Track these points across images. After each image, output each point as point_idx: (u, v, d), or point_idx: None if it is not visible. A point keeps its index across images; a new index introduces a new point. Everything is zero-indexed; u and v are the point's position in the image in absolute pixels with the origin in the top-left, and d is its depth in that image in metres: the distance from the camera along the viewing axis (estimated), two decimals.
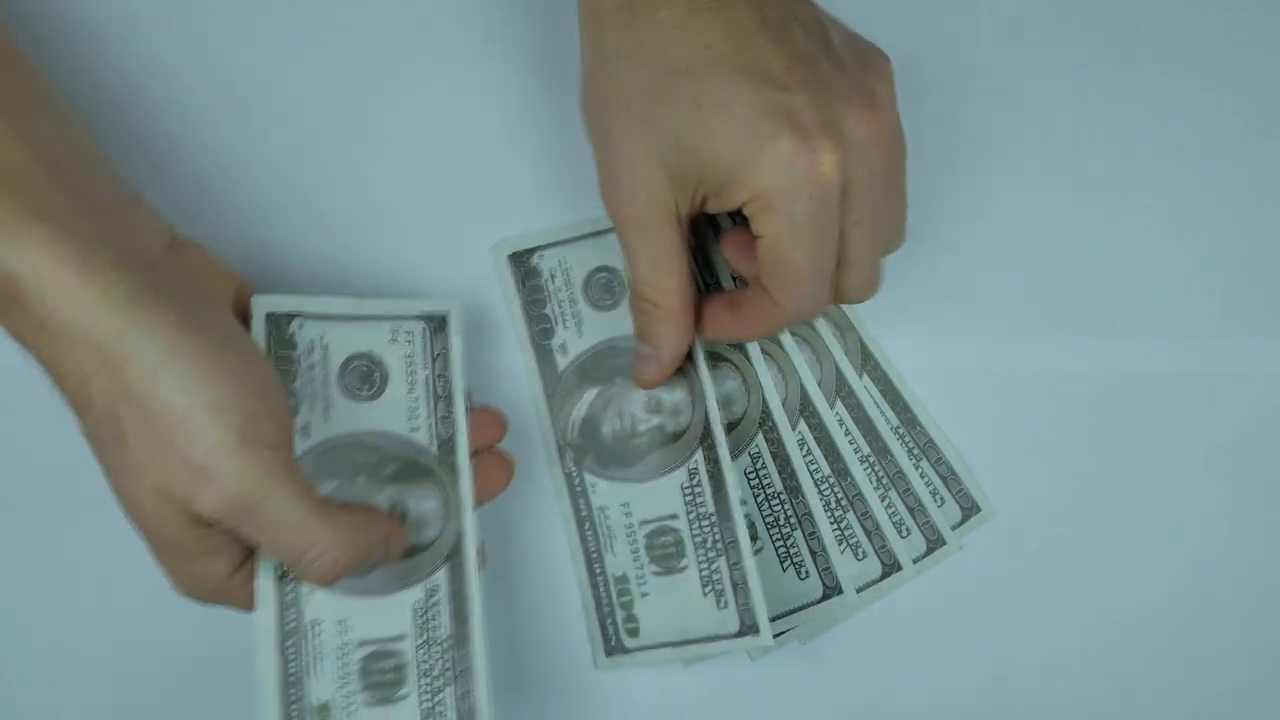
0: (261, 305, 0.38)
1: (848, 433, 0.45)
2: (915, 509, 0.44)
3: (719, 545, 0.41)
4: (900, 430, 0.45)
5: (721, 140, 0.34)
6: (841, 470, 0.44)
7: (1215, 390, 0.45)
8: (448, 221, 0.44)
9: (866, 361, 0.45)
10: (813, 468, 0.44)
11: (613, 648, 0.42)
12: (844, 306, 0.45)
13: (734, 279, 0.44)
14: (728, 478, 0.41)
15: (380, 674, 0.37)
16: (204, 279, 0.37)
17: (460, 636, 0.38)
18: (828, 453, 0.44)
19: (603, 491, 0.43)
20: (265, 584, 0.36)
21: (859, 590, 0.44)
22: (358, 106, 0.44)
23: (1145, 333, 0.45)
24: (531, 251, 0.43)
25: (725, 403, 0.44)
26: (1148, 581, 0.45)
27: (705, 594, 0.41)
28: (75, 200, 0.33)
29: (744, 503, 0.43)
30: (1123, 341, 0.45)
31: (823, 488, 0.44)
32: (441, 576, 0.38)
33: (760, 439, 0.44)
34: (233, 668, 0.39)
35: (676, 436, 0.42)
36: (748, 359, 0.44)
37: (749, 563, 0.41)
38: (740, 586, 0.41)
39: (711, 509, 0.42)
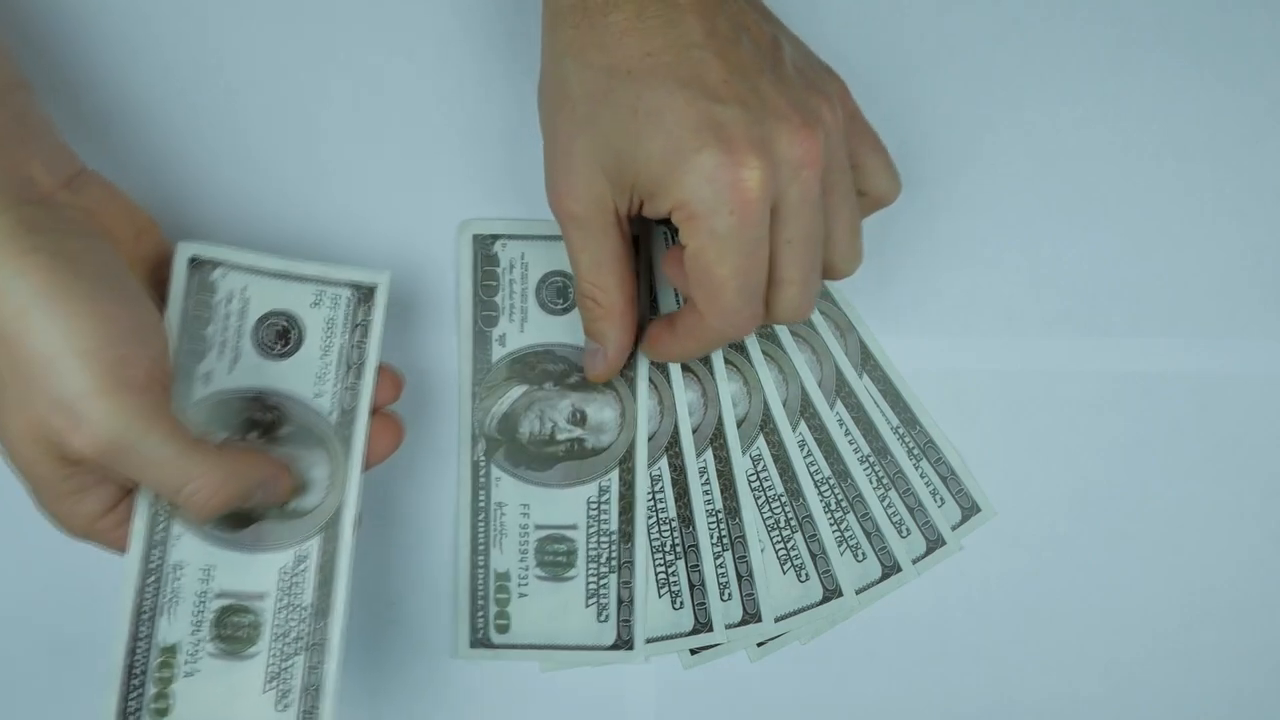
0: (186, 250, 0.38)
1: (848, 433, 0.45)
2: (915, 509, 0.44)
3: (613, 563, 0.42)
4: (900, 430, 0.45)
5: (653, 148, 0.34)
6: (842, 471, 0.44)
7: (1215, 390, 0.45)
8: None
9: (866, 361, 0.45)
10: (813, 469, 0.44)
11: (478, 640, 0.42)
12: (843, 306, 0.45)
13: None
14: (638, 502, 0.42)
15: (234, 628, 0.37)
16: (105, 215, 0.36)
17: (321, 608, 0.38)
18: (828, 454, 0.44)
19: (506, 488, 0.43)
20: (138, 522, 0.37)
21: (858, 592, 0.44)
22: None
23: (1145, 333, 0.45)
24: (496, 238, 0.43)
25: (698, 406, 0.44)
26: (1147, 581, 0.45)
27: (588, 605, 0.42)
28: None
29: (664, 522, 0.44)
30: (1123, 341, 0.45)
31: (823, 489, 0.44)
32: (314, 545, 0.38)
33: (761, 440, 0.44)
34: None
35: (595, 452, 0.43)
36: (749, 361, 0.44)
37: (640, 584, 0.42)
38: (626, 604, 0.42)
39: (614, 528, 0.43)
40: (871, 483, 0.44)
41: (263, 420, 0.38)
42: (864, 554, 0.44)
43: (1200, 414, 0.45)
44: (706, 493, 0.44)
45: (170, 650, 0.37)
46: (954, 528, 0.45)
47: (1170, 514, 0.45)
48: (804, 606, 0.44)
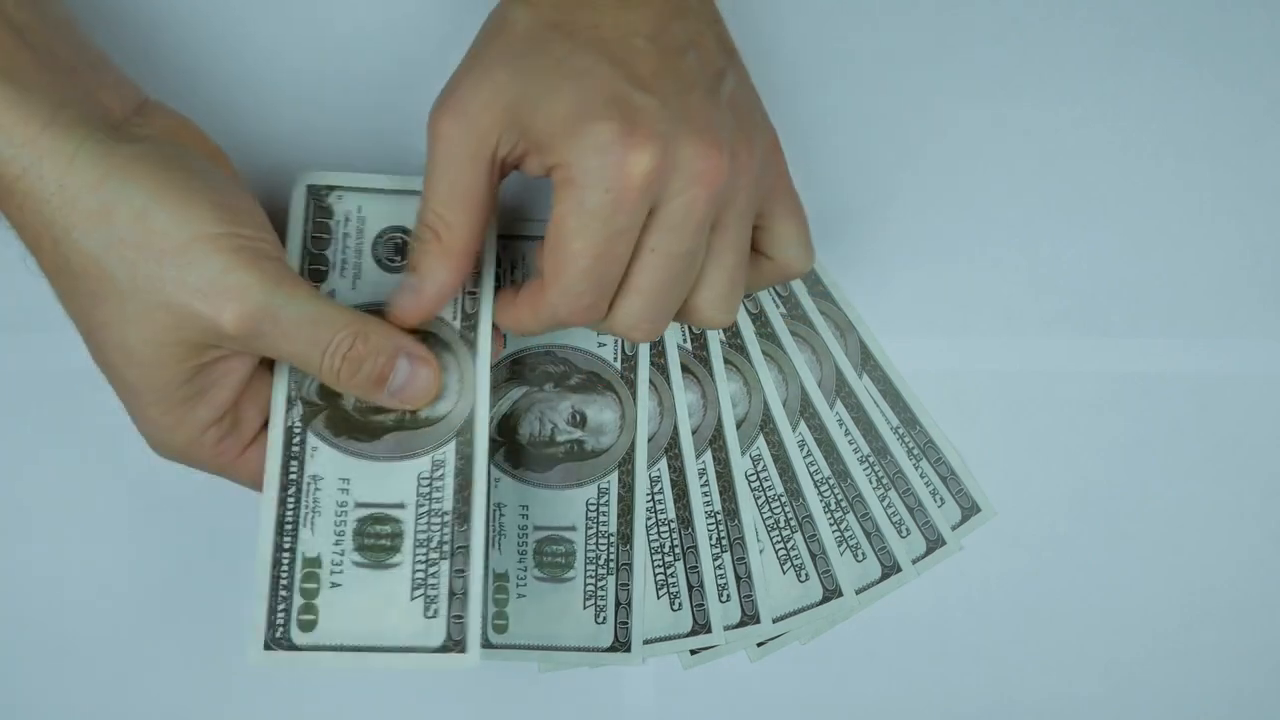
0: (303, 178, 0.40)
1: (847, 433, 0.45)
2: (915, 509, 0.45)
3: (610, 564, 0.42)
4: (900, 430, 0.45)
5: (560, 101, 0.34)
6: (841, 471, 0.44)
7: (1215, 390, 0.45)
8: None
9: (866, 361, 0.45)
10: (813, 469, 0.44)
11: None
12: (843, 306, 0.45)
13: None
14: (637, 504, 0.42)
15: (375, 538, 0.37)
16: (181, 137, 0.37)
17: (461, 513, 0.37)
18: (828, 454, 0.44)
19: (505, 489, 0.43)
20: (274, 434, 0.37)
21: (858, 592, 0.44)
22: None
23: (1145, 333, 0.45)
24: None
25: (697, 407, 0.44)
26: (1147, 581, 0.45)
27: (586, 606, 0.42)
28: (40, 60, 0.33)
29: (663, 523, 0.44)
30: (1123, 341, 0.45)
31: (823, 489, 0.44)
32: (449, 450, 0.38)
33: (761, 440, 0.44)
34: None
35: (594, 454, 0.43)
36: (749, 361, 0.44)
37: (638, 585, 0.42)
38: (624, 606, 0.42)
39: (613, 529, 0.43)
40: (871, 483, 0.44)
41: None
42: (864, 554, 0.44)
43: (1200, 414, 0.45)
44: (705, 494, 0.44)
45: (314, 562, 0.37)
46: (954, 528, 0.45)
47: (1170, 514, 0.45)
48: (804, 606, 0.44)
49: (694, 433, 0.44)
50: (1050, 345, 0.45)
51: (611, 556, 0.43)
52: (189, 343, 0.33)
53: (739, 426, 0.44)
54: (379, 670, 0.38)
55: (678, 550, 0.43)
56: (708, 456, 0.44)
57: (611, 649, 0.43)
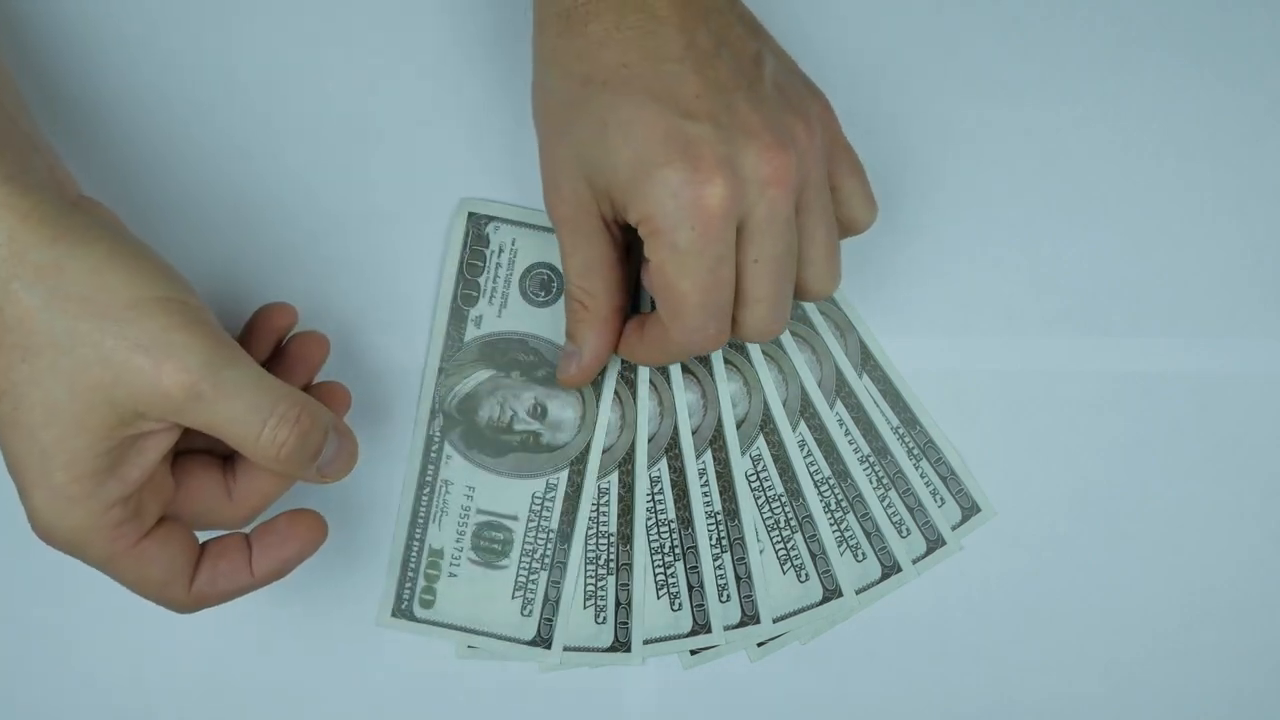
0: (465, 205, 0.43)
1: (847, 433, 0.45)
2: (915, 509, 0.45)
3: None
4: (900, 430, 0.45)
5: (621, 160, 0.35)
6: (841, 471, 0.44)
7: (1215, 390, 0.45)
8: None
9: (866, 361, 0.45)
10: (813, 469, 0.44)
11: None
12: (844, 306, 0.45)
13: None
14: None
15: (490, 541, 0.43)
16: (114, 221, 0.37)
17: (565, 532, 0.43)
18: (828, 454, 0.44)
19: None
20: (416, 440, 0.43)
21: (858, 592, 0.44)
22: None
23: (1145, 333, 0.45)
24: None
25: (698, 408, 0.44)
26: (1148, 581, 0.45)
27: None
28: (5, 129, 0.34)
29: (663, 523, 0.44)
30: (1123, 341, 0.45)
31: (823, 489, 0.44)
32: (562, 476, 0.43)
33: (761, 440, 0.44)
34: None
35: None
36: (749, 361, 0.44)
37: (638, 585, 0.43)
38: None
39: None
40: (871, 483, 0.44)
41: (524, 361, 0.43)
42: (864, 554, 0.44)
43: (1200, 414, 0.45)
44: (705, 494, 0.44)
45: (438, 553, 0.43)
46: (954, 528, 0.45)
47: (1170, 514, 0.45)
48: (804, 606, 0.44)
49: (694, 433, 0.44)
50: (1051, 345, 0.45)
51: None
52: (119, 406, 0.32)
53: (739, 426, 0.44)
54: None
55: (678, 550, 0.44)
56: (708, 456, 0.44)
57: (611, 649, 0.43)
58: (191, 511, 0.37)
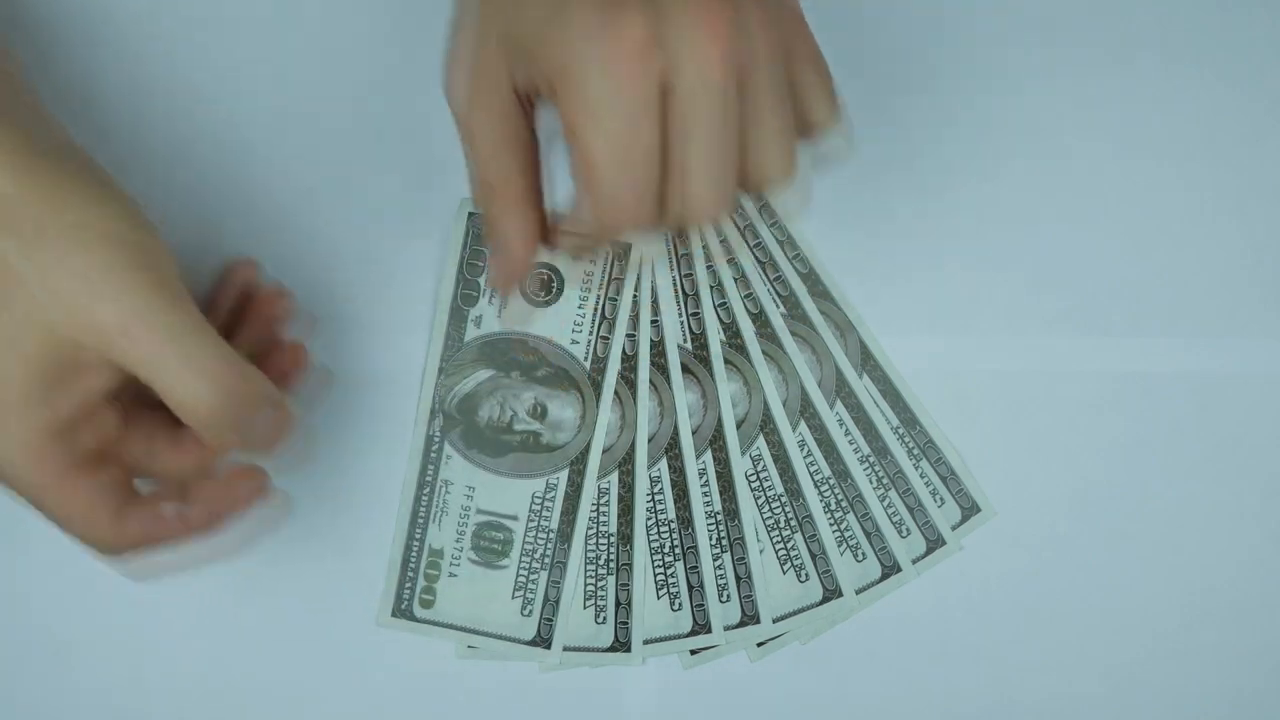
0: (465, 206, 0.43)
1: (848, 433, 0.45)
2: (915, 509, 0.44)
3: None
4: (900, 430, 0.45)
5: (537, 6, 0.32)
6: (841, 471, 0.44)
7: (1215, 390, 0.45)
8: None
9: (866, 361, 0.45)
10: (813, 469, 0.44)
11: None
12: (843, 306, 0.45)
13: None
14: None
15: (490, 541, 0.43)
16: None
17: (565, 532, 0.43)
18: (828, 454, 0.44)
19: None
20: (415, 440, 0.43)
21: (858, 592, 0.44)
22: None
23: (1145, 333, 0.45)
24: None
25: (697, 408, 0.44)
26: (1148, 581, 0.45)
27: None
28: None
29: (663, 523, 0.44)
30: (1123, 341, 0.45)
31: (823, 489, 0.44)
32: (562, 476, 0.43)
33: (761, 440, 0.44)
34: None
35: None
36: (749, 361, 0.44)
37: (638, 585, 0.43)
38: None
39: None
40: (871, 483, 0.44)
41: (524, 361, 0.43)
42: (864, 554, 0.44)
43: (1200, 414, 0.45)
44: (705, 494, 0.44)
45: (438, 553, 0.43)
46: (954, 528, 0.45)
47: (1170, 514, 0.45)
48: (804, 606, 0.44)
49: (694, 433, 0.44)
50: (1051, 345, 0.45)
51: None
52: (55, 331, 0.32)
53: (739, 426, 0.44)
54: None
55: (678, 550, 0.44)
56: (708, 456, 0.44)
57: (611, 649, 0.43)
58: (134, 456, 0.36)
